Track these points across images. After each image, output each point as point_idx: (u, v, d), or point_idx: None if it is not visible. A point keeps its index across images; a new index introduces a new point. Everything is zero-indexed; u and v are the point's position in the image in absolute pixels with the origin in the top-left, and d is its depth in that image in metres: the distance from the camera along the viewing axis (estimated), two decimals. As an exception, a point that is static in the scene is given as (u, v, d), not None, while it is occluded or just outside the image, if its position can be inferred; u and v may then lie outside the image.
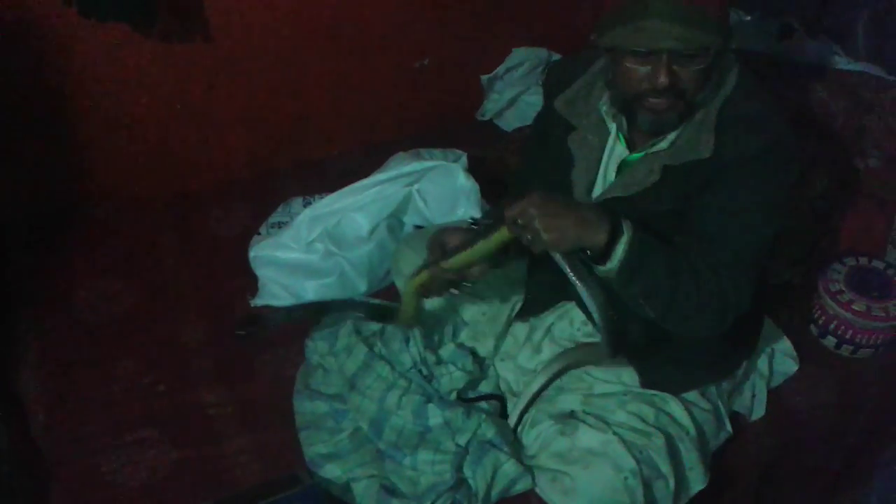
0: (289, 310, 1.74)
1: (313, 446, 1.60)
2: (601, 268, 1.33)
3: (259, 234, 2.03)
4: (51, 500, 1.59)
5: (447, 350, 1.69)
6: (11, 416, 1.80)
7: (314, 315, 1.73)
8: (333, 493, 1.54)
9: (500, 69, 2.53)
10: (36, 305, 1.92)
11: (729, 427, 1.64)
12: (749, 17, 2.35)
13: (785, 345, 1.82)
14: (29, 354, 1.83)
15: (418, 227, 2.06)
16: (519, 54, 2.52)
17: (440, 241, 1.50)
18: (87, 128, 2.10)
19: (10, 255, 2.04)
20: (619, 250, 1.30)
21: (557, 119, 1.51)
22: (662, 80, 1.28)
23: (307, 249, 1.96)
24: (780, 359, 1.80)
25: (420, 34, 2.37)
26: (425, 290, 1.54)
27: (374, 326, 1.74)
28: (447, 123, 2.51)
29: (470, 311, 1.76)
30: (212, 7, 2.03)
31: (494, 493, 1.51)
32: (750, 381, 1.73)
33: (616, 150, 1.48)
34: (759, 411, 1.74)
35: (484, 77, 2.54)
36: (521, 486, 1.53)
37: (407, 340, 1.68)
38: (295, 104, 2.33)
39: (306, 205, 2.07)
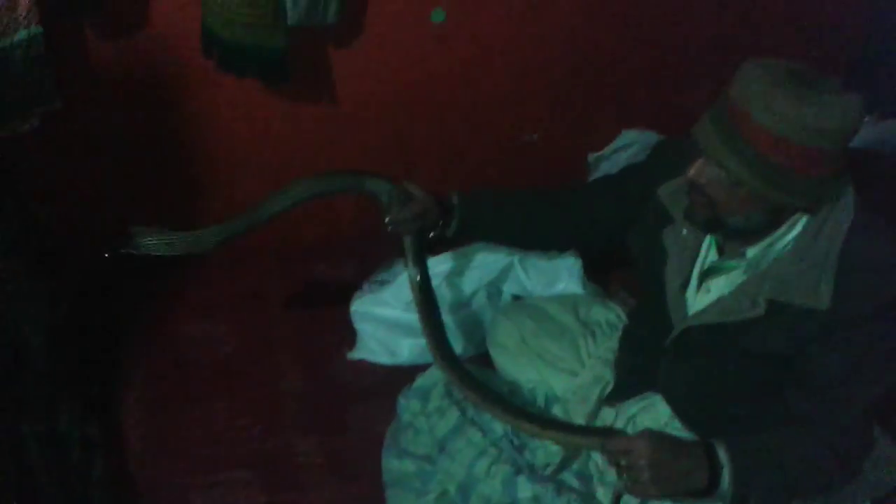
0: (174, 242, 1.56)
1: (399, 505, 1.59)
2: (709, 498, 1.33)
3: (361, 289, 2.07)
4: (139, 530, 1.63)
5: (543, 423, 1.67)
6: (109, 446, 1.86)
7: (200, 252, 1.60)
8: (416, 556, 1.53)
9: (608, 149, 2.54)
10: (141, 341, 2.00)
11: None
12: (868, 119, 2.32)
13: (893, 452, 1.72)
14: (131, 388, 1.89)
15: (516, 298, 2.07)
16: (628, 136, 2.53)
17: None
18: (208, 174, 2.21)
19: (121, 291, 2.13)
20: (726, 486, 1.30)
21: (656, 206, 1.48)
22: (691, 172, 1.29)
23: (406, 308, 1.99)
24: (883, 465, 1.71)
25: (531, 109, 2.41)
26: None
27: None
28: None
29: (562, 386, 1.74)
30: (337, 71, 2.12)
31: (582, 573, 1.47)
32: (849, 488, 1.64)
33: (710, 254, 1.45)
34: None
35: (591, 155, 2.55)
36: (607, 568, 1.49)
37: (500, 409, 1.67)
38: (403, 169, 2.39)
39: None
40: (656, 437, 1.32)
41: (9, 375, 1.53)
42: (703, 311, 1.41)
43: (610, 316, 1.86)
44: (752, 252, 1.36)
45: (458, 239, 1.73)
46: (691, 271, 1.46)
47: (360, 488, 1.66)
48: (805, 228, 1.31)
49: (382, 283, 2.06)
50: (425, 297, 1.67)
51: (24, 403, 1.60)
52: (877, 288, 1.27)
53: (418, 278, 1.67)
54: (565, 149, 2.52)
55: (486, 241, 1.87)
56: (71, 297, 1.90)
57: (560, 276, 2.06)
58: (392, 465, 1.66)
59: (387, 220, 1.61)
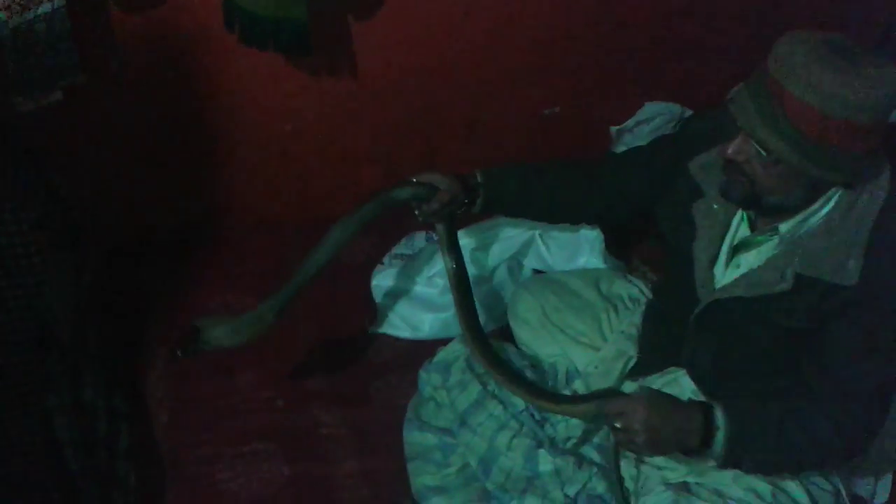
0: (237, 329, 1.58)
1: (420, 478, 1.61)
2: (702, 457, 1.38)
3: (382, 263, 2.07)
4: (164, 501, 1.65)
5: (563, 396, 1.68)
6: (135, 418, 1.89)
7: (262, 332, 1.61)
8: (438, 527, 1.54)
9: (631, 122, 2.52)
10: (166, 314, 2.02)
11: None
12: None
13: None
14: (157, 360, 1.91)
15: (537, 272, 2.07)
16: (651, 108, 2.51)
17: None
18: (229, 149, 2.21)
19: (147, 263, 2.15)
20: (719, 448, 1.33)
21: (687, 180, 1.47)
22: (729, 150, 1.29)
23: (427, 283, 2.00)
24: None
25: (553, 82, 2.39)
26: None
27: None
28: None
29: (583, 361, 1.74)
30: (358, 45, 2.11)
31: (601, 547, 1.48)
32: (873, 462, 1.63)
33: (740, 229, 1.44)
34: (881, 496, 1.65)
35: (613, 129, 2.53)
36: (626, 544, 1.50)
37: (522, 382, 1.67)
38: (423, 144, 2.39)
39: (429, 239, 2.12)
40: (653, 399, 1.35)
41: (35, 348, 1.55)
42: (731, 285, 1.41)
43: (632, 290, 1.85)
44: (784, 227, 1.36)
45: (485, 213, 1.75)
46: (720, 246, 1.45)
47: (383, 461, 1.67)
48: (838, 203, 1.30)
49: (403, 258, 2.07)
50: (460, 282, 1.70)
51: (50, 376, 1.62)
52: None
53: (454, 265, 1.71)
54: (588, 121, 2.50)
55: (513, 216, 1.87)
56: (94, 271, 1.92)
57: (581, 250, 2.06)
58: (413, 438, 1.67)
59: (417, 214, 1.64)
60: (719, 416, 1.33)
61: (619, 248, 2.08)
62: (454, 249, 1.72)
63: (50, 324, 1.58)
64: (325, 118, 2.22)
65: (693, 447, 1.35)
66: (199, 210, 2.29)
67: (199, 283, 2.08)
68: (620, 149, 2.56)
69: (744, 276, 1.40)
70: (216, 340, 1.56)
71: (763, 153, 1.25)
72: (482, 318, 1.95)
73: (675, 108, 2.52)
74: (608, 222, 1.99)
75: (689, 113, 2.50)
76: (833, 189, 1.30)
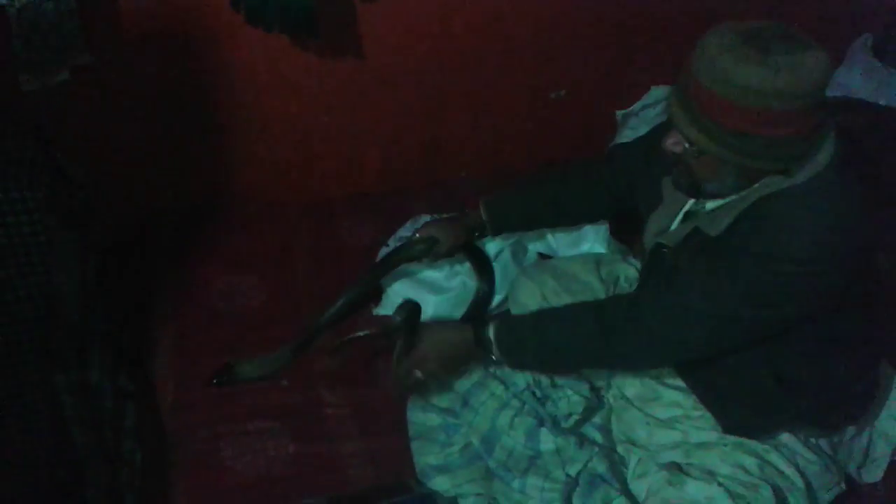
0: (261, 364, 1.80)
1: (424, 457, 1.62)
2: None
3: (387, 245, 2.07)
4: (169, 478, 1.66)
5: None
6: (141, 396, 1.90)
7: (283, 368, 1.79)
8: (441, 506, 1.56)
9: (637, 106, 2.52)
10: (171, 294, 2.02)
11: (843, 483, 1.57)
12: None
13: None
14: (164, 338, 1.92)
15: (542, 256, 2.07)
16: (657, 93, 2.51)
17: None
18: (236, 129, 2.21)
19: (153, 244, 2.16)
20: (495, 352, 1.52)
21: (660, 155, 1.47)
22: (667, 142, 1.32)
23: (431, 265, 2.00)
24: None
25: (560, 65, 2.39)
26: None
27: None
28: (576, 155, 2.51)
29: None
30: (366, 27, 2.11)
31: (602, 527, 1.49)
32: (863, 439, 1.63)
33: (692, 202, 1.48)
34: (873, 474, 1.65)
35: (619, 112, 2.53)
36: (626, 525, 1.51)
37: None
38: (430, 126, 2.39)
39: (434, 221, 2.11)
40: (431, 328, 1.59)
41: (42, 327, 1.57)
42: (665, 235, 1.48)
43: (629, 271, 1.86)
44: (708, 206, 1.40)
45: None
46: (673, 221, 1.50)
47: (387, 440, 1.68)
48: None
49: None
50: (479, 305, 1.91)
51: (57, 355, 1.64)
52: (768, 235, 1.29)
53: (486, 288, 1.93)
54: (594, 105, 2.51)
55: (528, 231, 1.99)
56: (101, 251, 1.93)
57: (586, 236, 2.07)
58: (417, 417, 1.68)
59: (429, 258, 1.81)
60: (491, 328, 1.52)
61: (624, 234, 2.08)
62: (483, 274, 1.91)
63: (57, 303, 1.59)
64: (330, 100, 2.22)
65: (478, 358, 1.59)
66: (205, 190, 2.30)
67: (204, 263, 2.09)
68: (626, 132, 2.56)
69: (674, 229, 1.47)
70: (245, 374, 1.79)
71: (688, 145, 1.28)
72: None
73: (681, 93, 2.52)
74: (624, 212, 2.00)
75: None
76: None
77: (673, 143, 1.31)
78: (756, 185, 1.32)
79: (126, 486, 1.82)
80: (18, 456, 1.68)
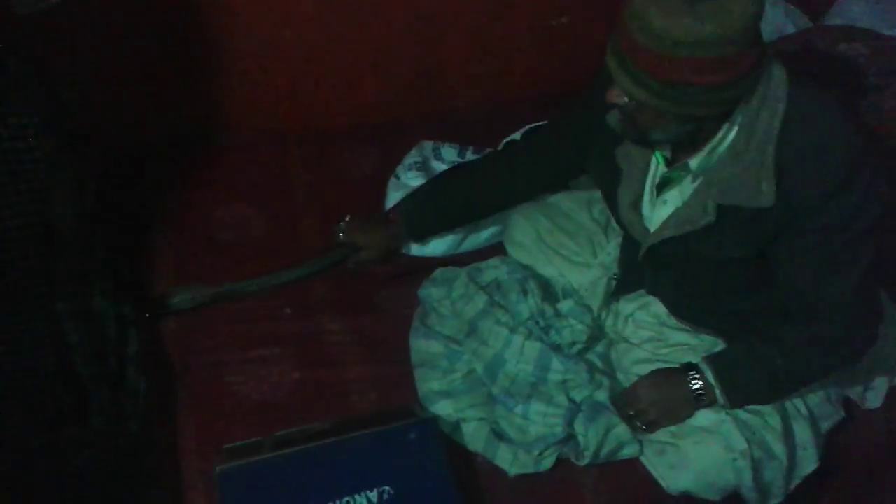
0: (193, 297, 1.75)
1: (427, 383, 1.64)
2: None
3: (396, 177, 2.04)
4: (176, 405, 1.68)
5: (567, 305, 1.70)
6: (143, 323, 1.90)
7: (216, 302, 1.75)
8: (444, 431, 1.57)
9: (638, 35, 2.48)
10: (173, 222, 2.01)
11: (842, 410, 1.61)
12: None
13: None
14: (165, 268, 1.91)
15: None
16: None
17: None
18: (231, 58, 2.17)
19: (151, 172, 2.13)
20: (721, 400, 1.48)
21: (608, 128, 1.46)
22: (610, 96, 1.30)
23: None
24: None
25: (560, -9, 2.34)
26: None
27: (489, 277, 1.76)
28: (578, 86, 2.48)
29: (578, 279, 1.78)
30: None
31: (604, 452, 1.52)
32: (865, 368, 1.66)
33: (659, 168, 1.46)
34: (873, 401, 1.69)
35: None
36: (627, 452, 1.55)
37: (525, 293, 1.69)
38: (427, 56, 2.35)
39: (436, 149, 2.09)
40: (646, 379, 1.54)
41: (42, 255, 1.56)
42: (661, 227, 1.45)
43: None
44: (694, 162, 1.37)
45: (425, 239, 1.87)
46: (643, 188, 1.48)
47: (391, 367, 1.70)
48: (741, 127, 1.30)
49: (417, 167, 2.03)
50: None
51: (59, 282, 1.63)
52: (818, 176, 1.27)
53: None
54: (595, 33, 2.45)
55: (454, 228, 1.89)
56: (99, 178, 1.90)
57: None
58: (420, 345, 1.70)
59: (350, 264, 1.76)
60: (710, 375, 1.48)
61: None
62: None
63: (57, 231, 1.58)
64: (326, 25, 2.17)
65: (703, 406, 1.51)
66: (201, 118, 2.26)
67: (203, 190, 2.07)
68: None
69: (671, 216, 1.43)
70: (178, 305, 1.75)
71: (627, 99, 1.27)
72: (481, 240, 1.96)
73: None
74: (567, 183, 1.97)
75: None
76: (737, 113, 1.30)
77: (616, 95, 1.29)
78: (757, 137, 1.29)
79: (130, 413, 1.83)
80: (21, 383, 1.68)
